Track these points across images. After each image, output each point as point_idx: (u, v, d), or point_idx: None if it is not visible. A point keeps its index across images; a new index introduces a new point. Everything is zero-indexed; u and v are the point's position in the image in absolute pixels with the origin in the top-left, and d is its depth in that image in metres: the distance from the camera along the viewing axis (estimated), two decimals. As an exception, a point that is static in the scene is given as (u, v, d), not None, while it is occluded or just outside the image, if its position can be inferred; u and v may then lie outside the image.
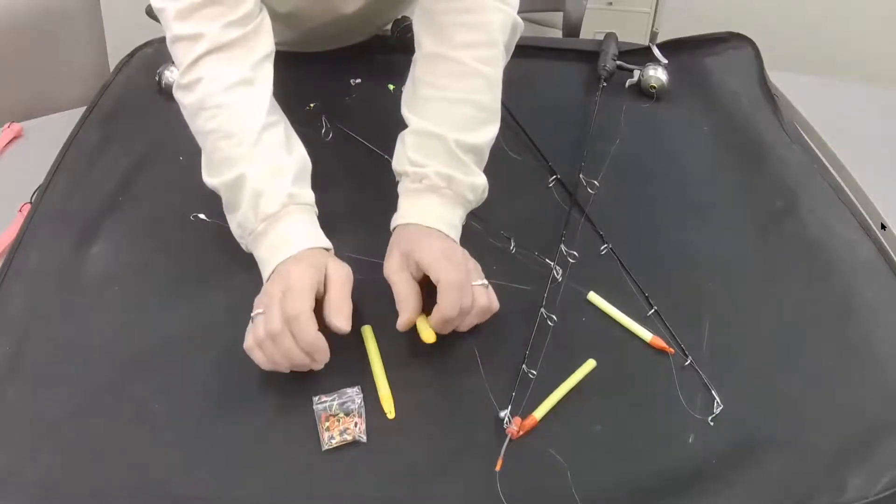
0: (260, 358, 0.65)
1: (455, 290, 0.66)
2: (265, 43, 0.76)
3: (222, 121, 0.72)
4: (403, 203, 0.75)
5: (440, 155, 0.73)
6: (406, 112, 0.77)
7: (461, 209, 0.75)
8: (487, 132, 0.76)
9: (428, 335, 0.67)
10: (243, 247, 0.74)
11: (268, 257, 0.70)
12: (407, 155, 0.74)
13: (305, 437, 0.64)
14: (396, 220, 0.74)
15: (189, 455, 0.63)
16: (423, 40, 0.77)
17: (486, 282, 0.70)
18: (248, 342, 0.66)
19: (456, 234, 0.74)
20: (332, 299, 0.67)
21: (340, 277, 0.68)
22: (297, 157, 0.75)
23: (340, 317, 0.66)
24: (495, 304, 0.70)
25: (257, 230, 0.71)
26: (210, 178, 0.74)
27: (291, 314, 0.64)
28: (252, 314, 0.67)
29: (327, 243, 0.72)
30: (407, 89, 0.79)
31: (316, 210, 0.74)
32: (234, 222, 0.73)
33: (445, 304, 0.66)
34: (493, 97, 0.76)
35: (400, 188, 0.76)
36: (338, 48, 1.06)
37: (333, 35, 1.03)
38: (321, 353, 0.65)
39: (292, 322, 0.63)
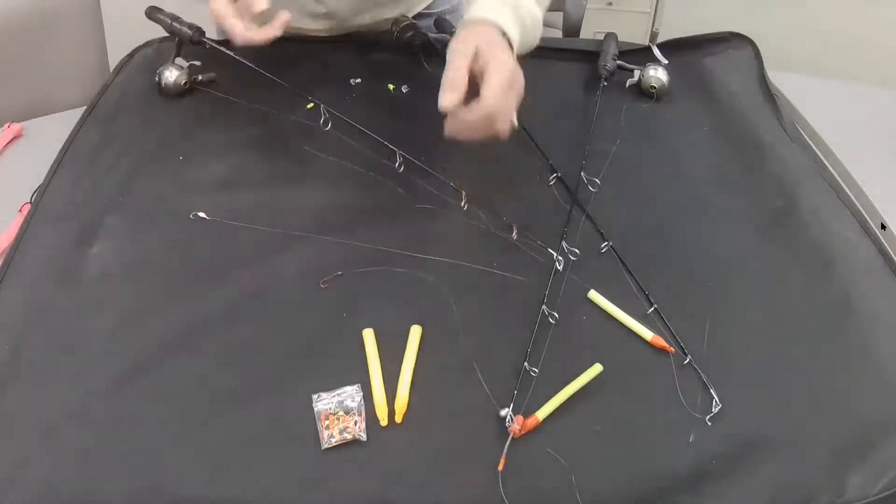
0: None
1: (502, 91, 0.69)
2: None
3: None
4: (479, 3, 0.76)
5: None
6: None
7: (519, 29, 0.76)
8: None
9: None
10: None
11: None
12: None
13: (305, 436, 0.64)
14: (471, 12, 0.76)
15: (188, 455, 0.63)
16: None
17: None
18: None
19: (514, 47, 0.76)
20: None
21: None
22: None
23: None
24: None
25: None
26: None
27: None
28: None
29: None
30: None
31: None
32: None
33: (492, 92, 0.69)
34: None
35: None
36: (337, 49, 1.06)
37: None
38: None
39: None
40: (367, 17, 1.06)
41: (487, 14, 0.74)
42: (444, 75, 0.68)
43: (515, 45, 0.75)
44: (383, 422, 0.64)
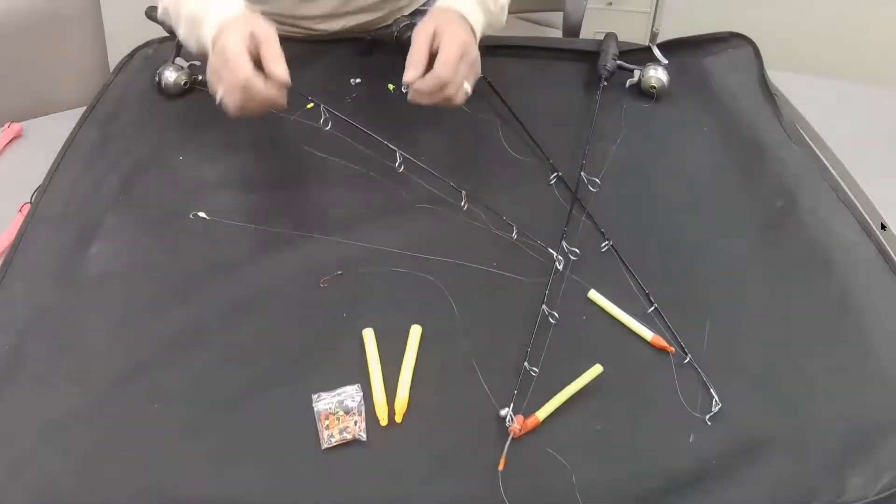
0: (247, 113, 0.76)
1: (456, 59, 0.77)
2: None
3: None
4: None
5: None
6: None
7: (483, 14, 0.85)
8: None
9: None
10: (195, 47, 0.82)
11: (205, 35, 0.77)
12: None
13: (305, 436, 0.64)
14: (438, 2, 0.85)
15: (188, 455, 0.63)
16: None
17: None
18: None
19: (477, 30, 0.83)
20: (266, 56, 0.74)
21: (267, 34, 0.75)
22: None
23: (279, 66, 0.74)
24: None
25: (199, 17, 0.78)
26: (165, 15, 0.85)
27: (240, 82, 0.72)
28: (217, 99, 0.75)
29: (242, 4, 0.79)
30: None
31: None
32: (183, 25, 0.82)
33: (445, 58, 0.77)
34: None
35: None
36: (337, 49, 1.06)
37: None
38: (282, 97, 0.75)
39: (245, 90, 0.73)
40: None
41: (450, 2, 0.83)
42: (408, 55, 0.78)
43: (478, 27, 0.83)
44: (383, 422, 0.64)
